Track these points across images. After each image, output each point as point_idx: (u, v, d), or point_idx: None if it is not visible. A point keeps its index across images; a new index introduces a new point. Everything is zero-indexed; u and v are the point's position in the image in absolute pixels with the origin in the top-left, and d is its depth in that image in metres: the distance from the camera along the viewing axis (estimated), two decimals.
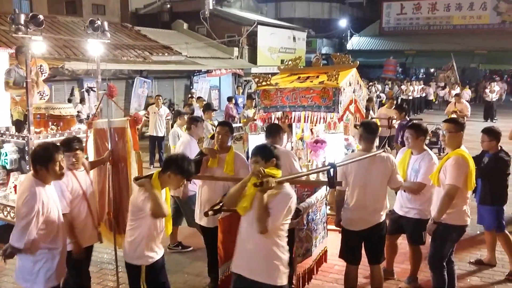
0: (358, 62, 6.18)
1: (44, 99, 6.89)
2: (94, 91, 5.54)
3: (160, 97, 11.65)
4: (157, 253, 3.74)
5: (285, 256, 3.48)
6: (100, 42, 8.14)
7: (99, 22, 7.83)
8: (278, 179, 3.37)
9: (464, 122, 4.75)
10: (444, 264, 4.49)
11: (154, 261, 3.69)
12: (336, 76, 5.10)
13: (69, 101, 12.75)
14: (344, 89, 5.17)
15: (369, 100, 12.40)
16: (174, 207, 5.74)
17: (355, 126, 6.84)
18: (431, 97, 25.17)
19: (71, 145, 4.16)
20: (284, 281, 3.46)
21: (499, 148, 5.42)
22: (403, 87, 22.63)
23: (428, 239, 4.66)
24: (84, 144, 4.73)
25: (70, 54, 14.11)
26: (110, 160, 4.68)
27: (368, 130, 4.42)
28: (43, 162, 3.45)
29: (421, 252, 5.07)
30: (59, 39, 14.80)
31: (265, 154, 3.53)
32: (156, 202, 3.51)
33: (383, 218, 4.43)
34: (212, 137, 9.04)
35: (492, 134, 5.36)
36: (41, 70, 6.94)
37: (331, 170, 3.58)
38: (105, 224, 4.83)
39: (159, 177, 3.64)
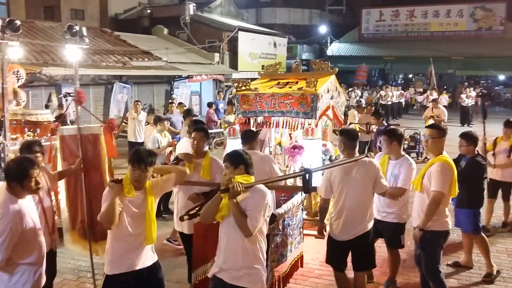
0: (337, 69, 6.26)
1: (20, 105, 6.81)
2: (72, 96, 5.46)
3: (139, 103, 11.57)
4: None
5: (264, 259, 3.50)
6: (78, 47, 8.09)
7: (77, 27, 7.76)
8: (246, 184, 3.38)
9: (446, 128, 4.84)
10: (439, 268, 4.52)
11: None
12: (315, 82, 5.15)
13: (47, 107, 12.58)
14: (322, 96, 5.23)
15: (359, 106, 12.61)
16: None
17: (334, 131, 6.92)
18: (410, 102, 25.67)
19: (32, 148, 4.12)
20: (264, 285, 3.49)
21: (476, 152, 5.53)
22: (382, 92, 22.93)
23: (407, 242, 4.74)
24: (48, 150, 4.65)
25: (48, 59, 13.93)
26: (81, 169, 4.62)
27: (348, 137, 4.45)
28: (17, 179, 3.32)
29: (399, 255, 5.13)
30: (36, 44, 14.61)
31: (233, 160, 3.53)
32: (104, 208, 3.43)
33: (370, 226, 4.44)
34: None
35: (469, 139, 5.46)
36: (18, 75, 6.86)
37: (307, 176, 3.63)
38: (79, 232, 4.77)
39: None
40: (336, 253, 4.49)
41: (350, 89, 26.45)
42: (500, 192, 7.05)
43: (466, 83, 32.02)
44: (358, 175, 4.31)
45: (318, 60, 6.48)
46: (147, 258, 3.62)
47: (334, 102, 5.99)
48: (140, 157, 3.45)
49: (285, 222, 4.51)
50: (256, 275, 3.44)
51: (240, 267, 3.41)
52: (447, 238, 4.57)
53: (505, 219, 7.14)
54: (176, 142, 9.85)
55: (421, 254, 4.52)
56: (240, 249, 3.40)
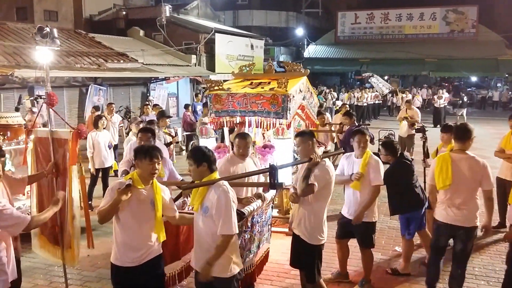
0: (308, 70, 6.39)
1: None
2: (43, 99, 5.39)
3: (113, 105, 11.50)
4: None
5: (235, 242, 3.62)
6: (50, 49, 7.99)
7: (47, 29, 7.66)
8: (210, 181, 3.53)
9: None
10: None
11: None
12: (285, 83, 5.22)
13: (17, 109, 12.34)
14: (293, 96, 5.31)
15: (343, 105, 12.88)
16: None
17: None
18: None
19: None
20: (235, 270, 3.60)
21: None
22: (357, 94, 23.23)
23: (379, 240, 4.87)
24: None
25: (20, 61, 13.68)
26: (54, 173, 4.59)
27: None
28: None
29: (372, 254, 5.21)
30: (8, 46, 14.36)
31: (196, 158, 3.60)
32: (107, 207, 3.50)
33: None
34: (166, 145, 9.08)
35: (388, 148, 5.47)
36: None
37: (273, 172, 3.73)
38: (48, 238, 4.74)
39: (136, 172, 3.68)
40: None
41: (327, 90, 26.74)
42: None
43: (441, 84, 32.78)
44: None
45: (290, 62, 6.59)
46: (151, 252, 3.68)
47: (306, 103, 6.08)
48: (154, 151, 3.63)
49: (254, 219, 4.56)
50: (227, 263, 3.54)
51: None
52: None
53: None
54: (177, 139, 9.87)
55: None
56: (211, 241, 3.50)
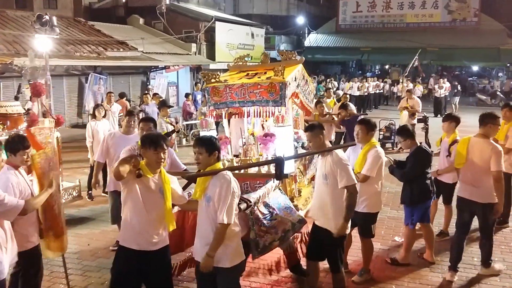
0: (303, 58, 6.42)
1: None
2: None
3: (112, 94, 11.48)
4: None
5: (237, 232, 3.65)
6: (49, 37, 7.95)
7: (47, 17, 7.65)
8: (214, 170, 3.59)
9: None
10: None
11: None
12: (282, 71, 5.22)
13: (16, 98, 12.32)
14: (290, 84, 5.30)
15: (343, 95, 13.00)
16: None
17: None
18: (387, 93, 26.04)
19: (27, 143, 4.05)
20: (237, 260, 3.64)
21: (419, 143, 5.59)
22: (359, 84, 23.15)
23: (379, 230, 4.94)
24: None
25: (19, 49, 13.66)
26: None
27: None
28: None
29: (372, 244, 5.22)
30: (8, 34, 14.32)
31: (208, 147, 3.63)
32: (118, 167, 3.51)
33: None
34: (167, 135, 9.09)
35: (404, 134, 5.48)
36: None
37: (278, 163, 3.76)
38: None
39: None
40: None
41: (328, 80, 26.66)
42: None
43: (443, 73, 32.65)
44: None
45: (286, 51, 6.59)
46: (159, 242, 3.70)
47: (301, 90, 6.06)
48: (159, 140, 3.63)
49: (270, 203, 4.60)
50: (229, 253, 3.58)
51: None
52: None
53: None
54: (179, 126, 9.90)
55: None
56: (212, 230, 3.53)
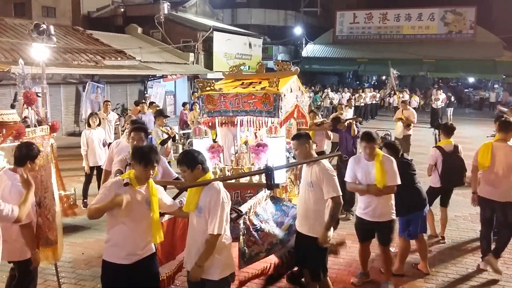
0: (298, 69, 6.45)
1: None
2: (39, 96, 5.39)
3: (109, 103, 11.51)
4: None
5: (227, 245, 3.62)
6: (46, 46, 8.00)
7: (44, 26, 7.70)
8: (203, 182, 3.58)
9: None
10: None
11: None
12: (277, 82, 5.26)
13: (12, 106, 12.32)
14: (284, 95, 5.34)
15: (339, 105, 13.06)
16: None
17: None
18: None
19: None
20: (226, 272, 3.62)
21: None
22: (356, 94, 23.23)
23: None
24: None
25: (17, 57, 13.69)
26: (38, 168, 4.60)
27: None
28: None
29: (390, 252, 5.32)
30: (6, 42, 14.38)
31: (189, 163, 3.60)
32: (99, 205, 3.48)
33: None
34: (162, 143, 9.12)
35: (390, 148, 5.47)
36: None
37: (269, 173, 3.76)
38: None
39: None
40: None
41: (325, 90, 26.76)
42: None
43: (439, 85, 32.81)
44: None
45: (281, 61, 6.63)
46: (144, 252, 3.66)
47: (299, 102, 6.12)
48: (151, 156, 3.56)
49: (259, 216, 4.60)
50: (218, 266, 3.56)
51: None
52: None
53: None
54: (175, 133, 9.91)
55: None
56: (203, 241, 3.51)
